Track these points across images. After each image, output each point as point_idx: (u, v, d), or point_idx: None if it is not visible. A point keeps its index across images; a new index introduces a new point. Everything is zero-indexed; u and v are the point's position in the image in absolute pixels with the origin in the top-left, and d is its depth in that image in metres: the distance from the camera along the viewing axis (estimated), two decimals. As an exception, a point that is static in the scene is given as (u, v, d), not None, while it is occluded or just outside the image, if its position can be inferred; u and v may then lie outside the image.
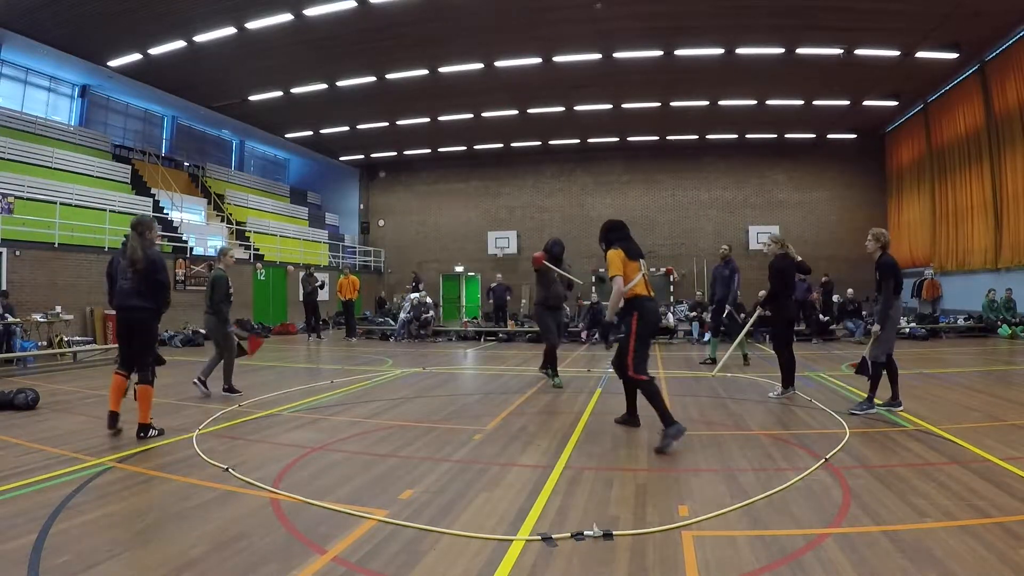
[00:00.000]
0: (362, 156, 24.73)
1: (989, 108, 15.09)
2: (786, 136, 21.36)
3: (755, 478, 3.84)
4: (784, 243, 7.09)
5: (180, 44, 13.94)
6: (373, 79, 16.29)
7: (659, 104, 18.19)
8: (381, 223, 26.39)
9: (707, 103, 18.04)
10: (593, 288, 16.72)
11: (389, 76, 16.10)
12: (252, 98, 17.82)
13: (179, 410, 6.21)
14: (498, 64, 15.35)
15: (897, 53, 14.28)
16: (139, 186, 17.80)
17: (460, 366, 10.77)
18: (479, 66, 15.47)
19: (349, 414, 6.11)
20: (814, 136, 21.30)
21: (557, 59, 15.01)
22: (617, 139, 22.20)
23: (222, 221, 20.01)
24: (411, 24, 13.16)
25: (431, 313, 16.20)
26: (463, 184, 25.07)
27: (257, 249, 19.24)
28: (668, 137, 21.86)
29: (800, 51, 14.22)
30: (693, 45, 14.24)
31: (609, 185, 23.57)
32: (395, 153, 24.31)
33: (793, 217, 22.03)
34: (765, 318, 7.43)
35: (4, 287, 11.48)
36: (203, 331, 14.82)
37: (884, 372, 5.79)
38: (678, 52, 14.48)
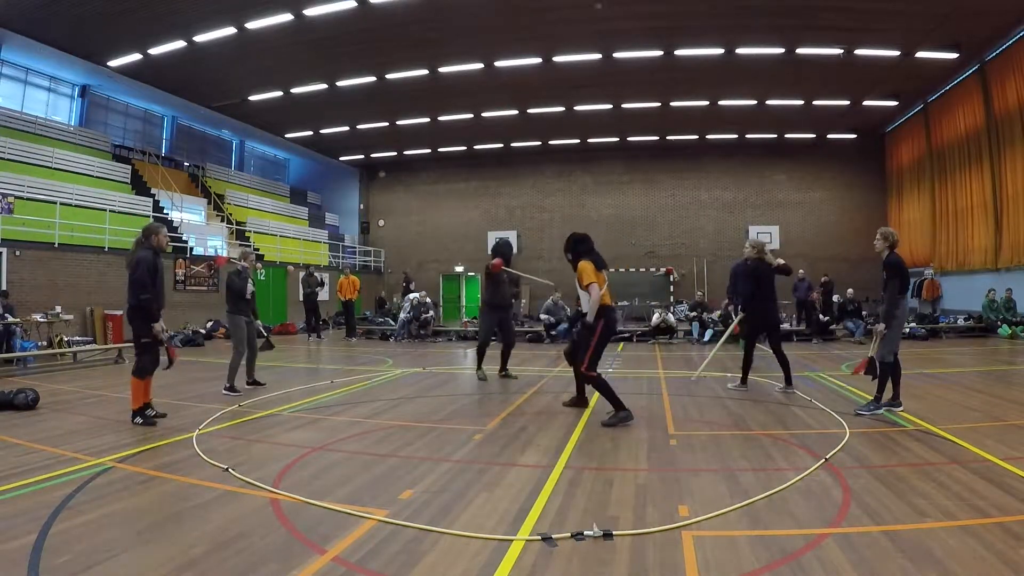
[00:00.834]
0: (362, 156, 24.74)
1: (989, 108, 15.09)
2: (786, 136, 21.37)
3: (755, 478, 3.84)
4: (762, 248, 7.42)
5: (180, 44, 13.94)
6: (373, 79, 16.30)
7: (659, 104, 18.20)
8: (381, 223, 26.40)
9: (707, 103, 18.04)
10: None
11: (389, 76, 16.11)
12: (252, 98, 17.82)
13: (179, 410, 6.21)
14: (498, 64, 15.36)
15: (897, 53, 14.29)
16: (139, 186, 17.80)
17: (460, 366, 10.76)
18: (479, 66, 15.47)
19: (349, 414, 6.11)
20: (814, 136, 21.30)
21: (557, 59, 15.02)
22: (617, 139, 22.21)
23: (222, 221, 20.01)
24: (411, 24, 13.16)
25: (431, 313, 16.20)
26: (463, 184, 25.08)
27: (257, 249, 19.24)
28: (668, 137, 21.86)
29: (800, 51, 14.22)
30: (693, 45, 14.24)
31: (609, 185, 23.58)
32: (395, 153, 24.31)
33: (793, 217, 22.04)
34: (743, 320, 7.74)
35: (4, 287, 11.48)
36: (203, 331, 14.89)
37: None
38: (678, 52, 14.49)
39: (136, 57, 14.78)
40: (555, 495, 3.57)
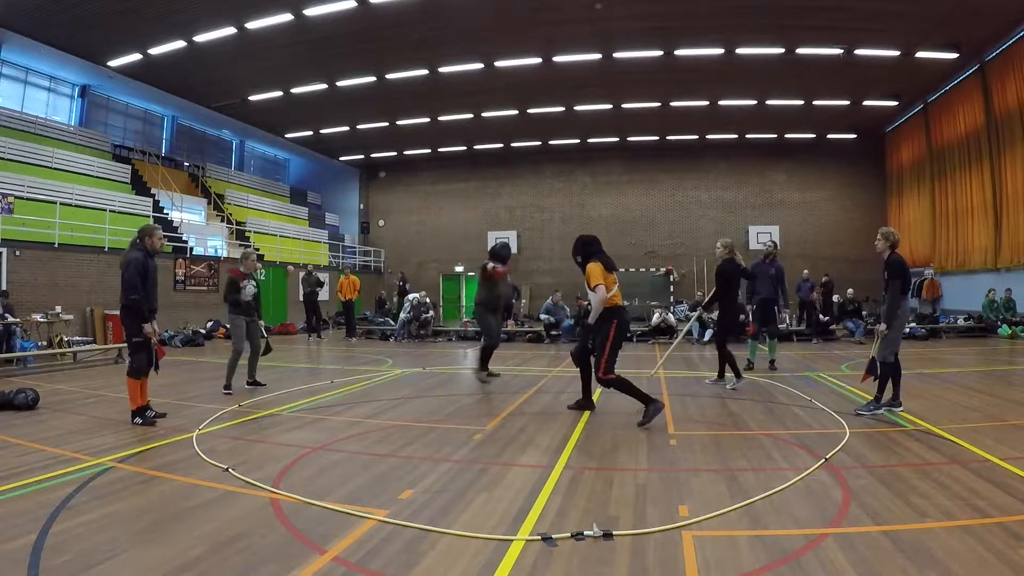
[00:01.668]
0: (362, 156, 24.74)
1: (989, 108, 15.09)
2: (786, 136, 21.37)
3: (755, 478, 3.84)
4: (733, 248, 7.63)
5: (180, 44, 13.94)
6: (373, 79, 16.29)
7: (659, 104, 18.19)
8: (381, 223, 26.39)
9: (707, 103, 18.03)
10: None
11: (389, 76, 16.10)
12: (252, 98, 17.81)
13: (179, 410, 6.20)
14: (498, 64, 15.35)
15: (897, 53, 14.28)
16: (139, 186, 17.80)
17: (460, 366, 10.76)
18: (479, 66, 15.47)
19: (349, 414, 6.11)
20: (814, 136, 21.30)
21: (557, 59, 15.01)
22: (617, 139, 22.20)
23: (222, 221, 20.00)
24: (411, 24, 13.16)
25: (431, 313, 16.21)
26: (463, 184, 25.07)
27: (257, 249, 19.22)
28: (668, 137, 21.86)
29: (800, 51, 14.22)
30: (693, 45, 14.24)
31: (609, 185, 23.57)
32: (395, 153, 24.31)
33: (793, 217, 22.04)
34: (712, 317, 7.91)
35: (4, 287, 11.47)
36: (203, 331, 14.89)
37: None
38: (678, 52, 14.48)
39: (136, 57, 14.77)
40: (555, 495, 3.57)
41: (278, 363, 10.60)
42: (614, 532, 2.97)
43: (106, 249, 13.85)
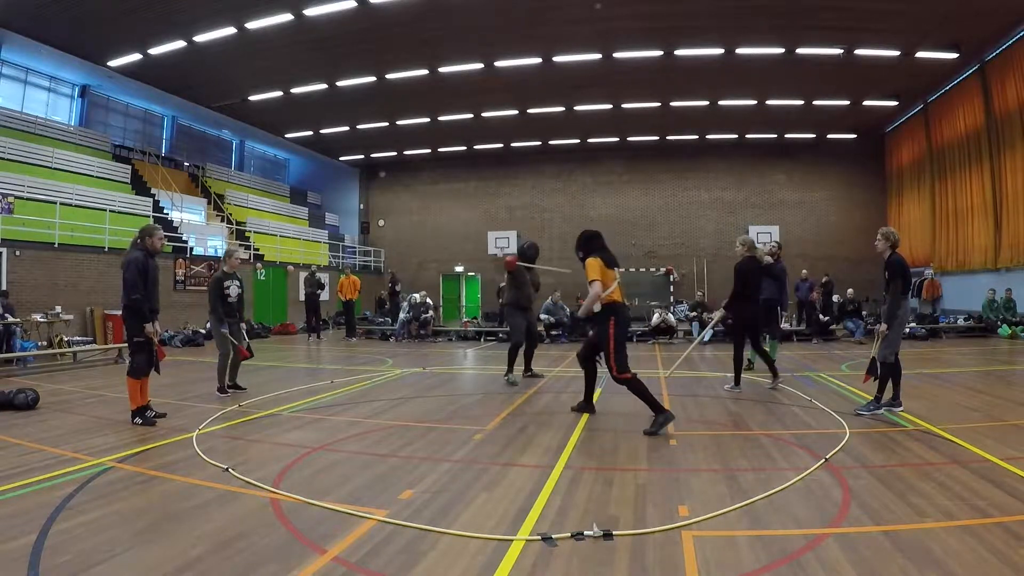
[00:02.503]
0: (362, 156, 24.73)
1: (989, 108, 15.08)
2: (786, 136, 21.36)
3: (755, 478, 3.84)
4: (753, 246, 7.39)
5: (180, 44, 13.93)
6: (373, 79, 16.29)
7: (659, 104, 18.18)
8: (381, 223, 26.39)
9: (707, 103, 18.03)
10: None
11: (389, 76, 16.10)
12: (252, 98, 17.81)
13: (179, 410, 6.21)
14: (498, 64, 15.35)
15: (897, 53, 14.28)
16: (139, 186, 17.80)
17: (460, 366, 10.77)
18: (479, 66, 15.46)
19: (349, 414, 6.11)
20: (814, 136, 21.29)
21: (557, 59, 15.01)
22: (617, 139, 22.19)
23: (222, 221, 20.00)
24: (411, 24, 13.15)
25: (430, 313, 16.21)
26: (463, 184, 25.07)
27: (257, 249, 19.24)
28: (668, 137, 21.85)
29: (800, 51, 14.22)
30: (693, 45, 14.23)
31: (609, 185, 23.57)
32: (395, 153, 24.30)
33: (793, 217, 22.03)
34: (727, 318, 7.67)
35: (4, 287, 11.47)
36: (203, 331, 14.89)
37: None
38: (678, 52, 14.48)
39: (136, 57, 14.77)
40: (555, 495, 3.57)
41: (278, 363, 10.60)
42: (614, 532, 2.97)
43: (106, 249, 13.85)
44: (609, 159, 23.46)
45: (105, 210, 14.70)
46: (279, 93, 17.37)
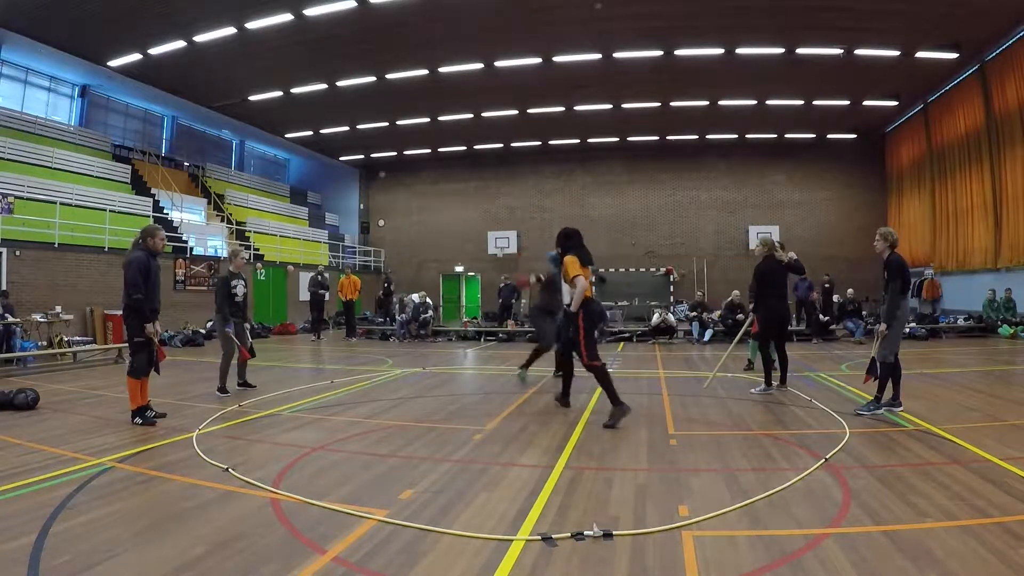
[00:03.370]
0: (362, 156, 24.73)
1: (989, 108, 15.08)
2: (786, 136, 21.36)
3: (755, 478, 3.84)
4: (772, 246, 7.23)
5: (180, 44, 13.93)
6: (373, 79, 16.29)
7: (659, 104, 18.18)
8: (381, 223, 26.39)
9: (707, 103, 18.03)
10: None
11: (389, 76, 16.10)
12: (252, 98, 17.81)
13: (179, 410, 6.21)
14: (498, 64, 15.35)
15: (897, 53, 14.28)
16: (139, 186, 17.80)
17: (460, 366, 10.77)
18: (479, 66, 15.46)
19: (349, 414, 6.11)
20: (814, 136, 21.29)
21: (557, 59, 15.01)
22: (617, 139, 22.19)
23: (222, 221, 20.00)
24: (411, 24, 13.16)
25: (430, 313, 16.21)
26: (463, 184, 25.06)
27: (257, 249, 19.24)
28: (668, 137, 21.85)
29: (800, 51, 14.21)
30: (693, 45, 14.23)
31: (609, 185, 23.56)
32: (395, 153, 24.30)
33: (793, 217, 22.03)
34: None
35: (4, 287, 11.47)
36: (203, 331, 14.89)
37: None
38: (678, 52, 14.48)
39: (136, 57, 14.76)
40: (555, 495, 3.57)
41: (278, 363, 10.60)
42: (614, 532, 2.97)
43: (106, 249, 13.86)
44: (609, 159, 23.45)
45: (105, 210, 14.70)
46: (279, 93, 17.37)
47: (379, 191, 26.51)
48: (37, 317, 11.42)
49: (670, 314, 15.60)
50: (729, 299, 13.76)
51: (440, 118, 19.66)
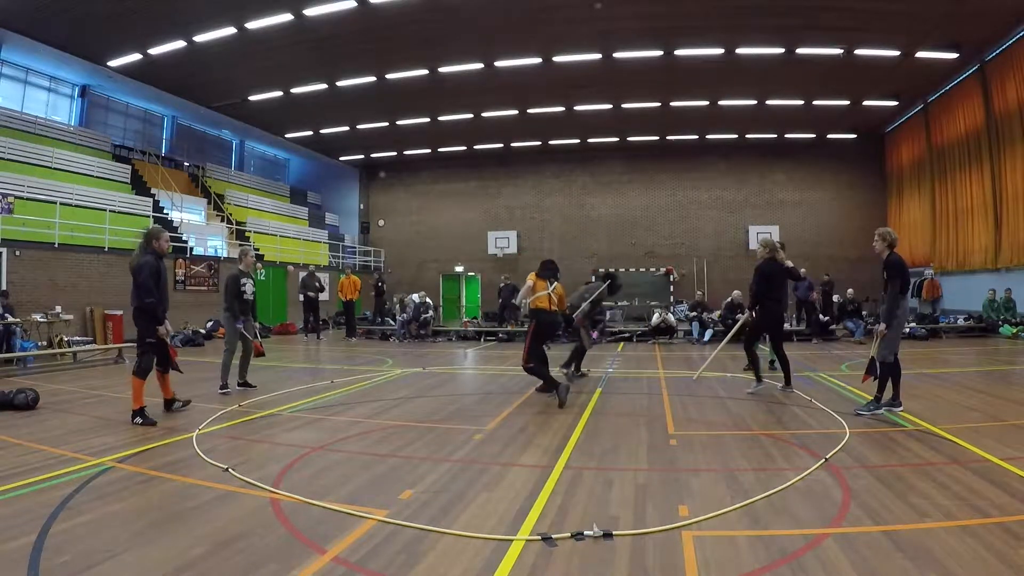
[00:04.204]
0: (362, 156, 24.73)
1: (989, 108, 15.08)
2: (786, 136, 21.36)
3: (755, 478, 3.84)
4: (774, 247, 7.24)
5: (180, 44, 13.93)
6: (373, 79, 16.29)
7: (659, 104, 18.18)
8: (381, 223, 26.39)
9: (707, 103, 18.02)
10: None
11: (389, 76, 16.09)
12: (252, 98, 17.81)
13: (179, 410, 6.20)
14: (498, 64, 15.34)
15: (897, 53, 14.28)
16: (139, 186, 17.79)
17: (460, 366, 10.77)
18: (479, 66, 15.46)
19: (349, 414, 6.11)
20: (814, 136, 21.29)
21: (557, 59, 15.00)
22: (617, 139, 22.19)
23: (222, 221, 20.00)
24: (411, 24, 13.15)
25: (430, 313, 16.20)
26: (463, 184, 25.06)
27: (257, 249, 19.23)
28: (668, 137, 21.84)
29: (800, 51, 14.21)
30: (693, 45, 14.23)
31: (609, 185, 23.56)
32: (395, 153, 24.30)
33: (793, 217, 22.03)
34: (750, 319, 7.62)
35: (4, 287, 11.47)
36: (203, 331, 14.90)
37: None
38: (678, 52, 14.48)
39: (136, 57, 14.76)
40: (555, 495, 3.58)
41: (278, 363, 10.60)
42: (614, 532, 2.97)
43: (106, 249, 13.86)
44: (609, 159, 23.44)
45: (105, 210, 14.69)
46: (279, 93, 17.37)
47: (379, 191, 26.51)
48: (37, 317, 11.42)
49: (670, 314, 15.60)
50: (729, 299, 13.74)
51: (440, 118, 19.65)
